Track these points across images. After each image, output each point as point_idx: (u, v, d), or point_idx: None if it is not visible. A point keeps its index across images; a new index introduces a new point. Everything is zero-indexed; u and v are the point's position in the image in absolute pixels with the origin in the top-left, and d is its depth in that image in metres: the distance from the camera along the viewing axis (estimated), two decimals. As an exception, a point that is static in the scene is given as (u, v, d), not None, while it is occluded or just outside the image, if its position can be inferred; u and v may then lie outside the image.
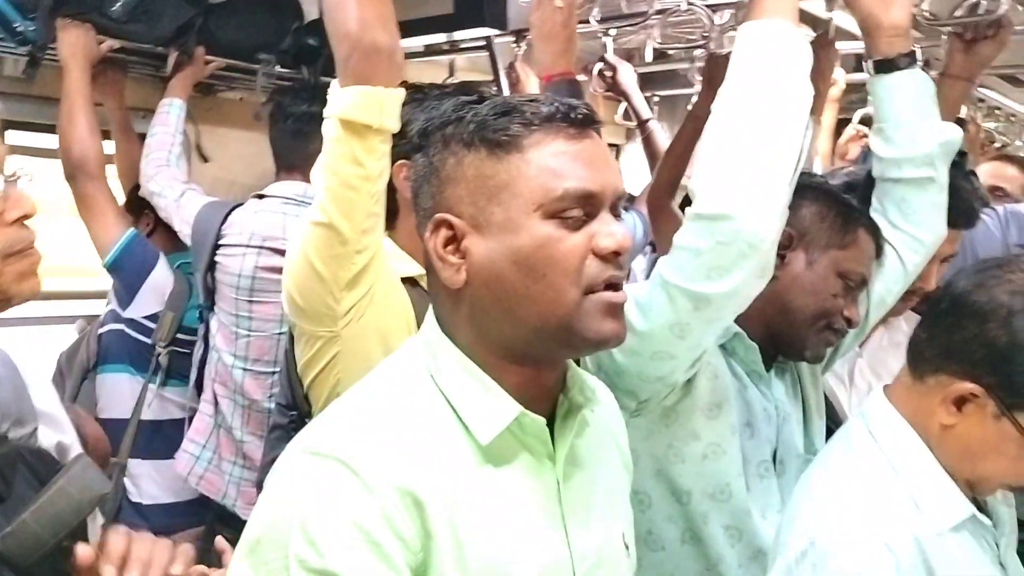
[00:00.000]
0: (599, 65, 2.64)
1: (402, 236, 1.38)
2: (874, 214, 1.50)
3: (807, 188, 1.46)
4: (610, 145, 3.71)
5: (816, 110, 2.55)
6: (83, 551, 0.93)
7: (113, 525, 1.00)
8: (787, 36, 1.22)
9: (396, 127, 1.21)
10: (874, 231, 1.46)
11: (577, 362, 1.27)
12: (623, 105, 2.79)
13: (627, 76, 2.63)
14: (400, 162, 1.27)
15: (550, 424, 0.95)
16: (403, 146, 1.25)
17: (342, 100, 1.18)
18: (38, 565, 0.93)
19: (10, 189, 0.97)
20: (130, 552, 0.95)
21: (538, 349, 0.91)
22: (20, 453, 0.99)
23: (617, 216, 0.92)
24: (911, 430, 1.13)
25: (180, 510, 2.29)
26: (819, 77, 2.51)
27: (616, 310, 0.90)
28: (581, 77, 2.72)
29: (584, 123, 0.91)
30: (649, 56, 3.09)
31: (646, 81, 3.04)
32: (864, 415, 1.20)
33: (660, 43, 2.39)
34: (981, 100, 3.18)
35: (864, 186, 1.59)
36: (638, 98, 2.68)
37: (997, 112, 3.29)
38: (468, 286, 0.90)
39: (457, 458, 0.88)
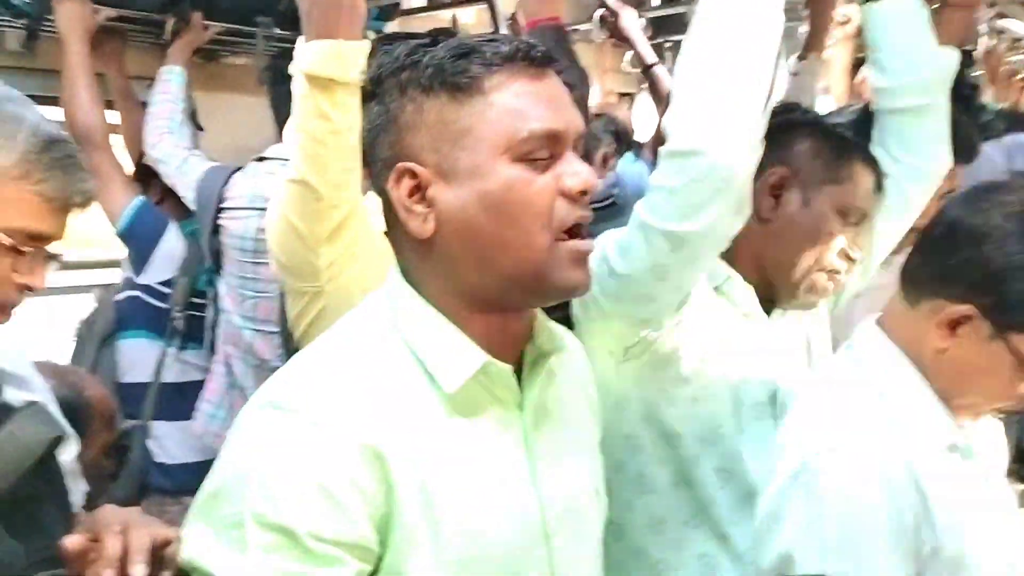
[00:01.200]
0: (600, 11, 2.61)
1: None
2: (875, 148, 1.47)
3: (799, 125, 1.43)
4: (622, 95, 3.67)
5: (815, 46, 2.52)
6: (71, 542, 0.90)
7: (108, 506, 0.99)
8: None
9: (362, 80, 1.21)
10: (871, 163, 1.42)
11: (564, 308, 1.28)
12: (630, 52, 2.76)
13: (630, 21, 2.60)
14: None
15: (518, 373, 0.94)
16: None
17: (305, 55, 1.18)
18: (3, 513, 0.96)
19: (40, 266, 1.02)
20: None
21: (508, 297, 0.91)
22: None
23: (579, 155, 0.91)
24: (903, 356, 1.13)
25: (204, 469, 2.33)
26: (817, 12, 2.47)
27: (583, 258, 0.89)
28: (586, 25, 2.71)
29: (544, 62, 0.89)
30: (657, 0, 3.04)
31: (657, 26, 3.00)
32: (851, 345, 1.20)
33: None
34: (1002, 31, 3.10)
35: (863, 120, 1.56)
36: (642, 43, 2.64)
37: (1018, 44, 3.20)
38: (437, 235, 0.88)
39: (423, 409, 0.88)
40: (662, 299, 1.25)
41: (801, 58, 2.66)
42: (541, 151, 0.87)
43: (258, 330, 2.09)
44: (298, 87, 1.20)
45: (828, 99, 2.71)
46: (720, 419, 1.34)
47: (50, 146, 1.00)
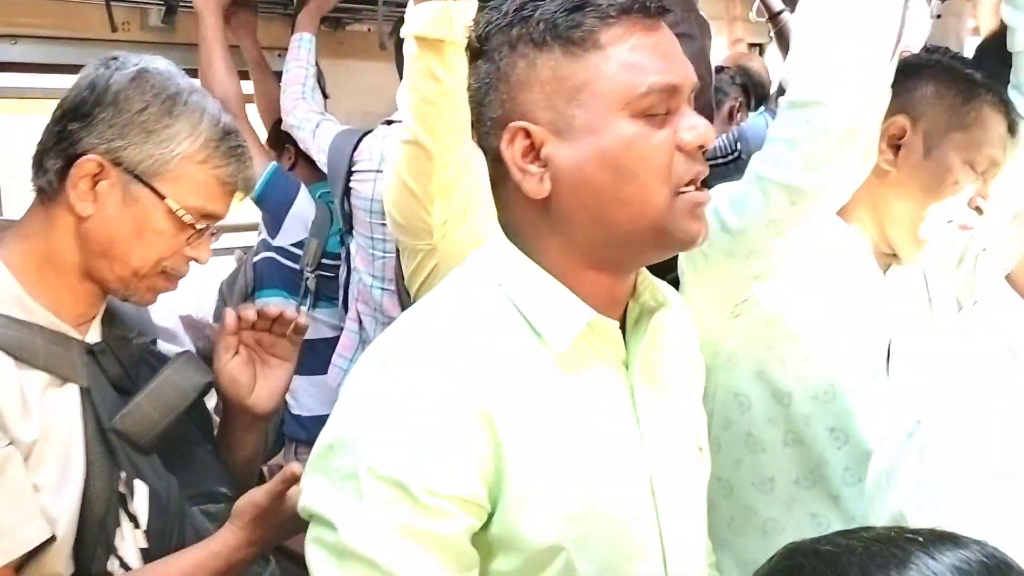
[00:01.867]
0: (725, -41, 2.53)
1: None
2: (1011, 91, 1.38)
3: (924, 66, 1.35)
4: (752, 44, 3.54)
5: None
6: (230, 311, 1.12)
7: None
8: None
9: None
10: (1003, 106, 1.33)
11: (672, 267, 1.27)
12: (757, 2, 2.67)
13: (756, -32, 2.51)
14: None
15: (623, 330, 0.94)
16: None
17: (415, 17, 1.20)
18: (153, 445, 1.07)
19: (208, 241, 1.12)
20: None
21: (624, 253, 0.89)
22: (142, 355, 1.14)
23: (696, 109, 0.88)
24: None
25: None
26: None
27: (701, 210, 0.88)
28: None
29: (658, 13, 0.86)
30: (785, -54, 2.92)
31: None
32: (978, 303, 1.15)
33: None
34: None
35: (997, 62, 1.46)
36: (772, -9, 2.55)
37: None
38: (552, 195, 0.87)
39: (530, 367, 0.87)
40: (775, 254, 1.22)
41: (944, -1, 2.50)
42: (659, 105, 0.84)
43: (385, 288, 2.16)
44: (409, 49, 1.22)
45: (977, 40, 2.54)
46: (832, 377, 1.30)
47: (227, 135, 1.09)
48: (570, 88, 0.85)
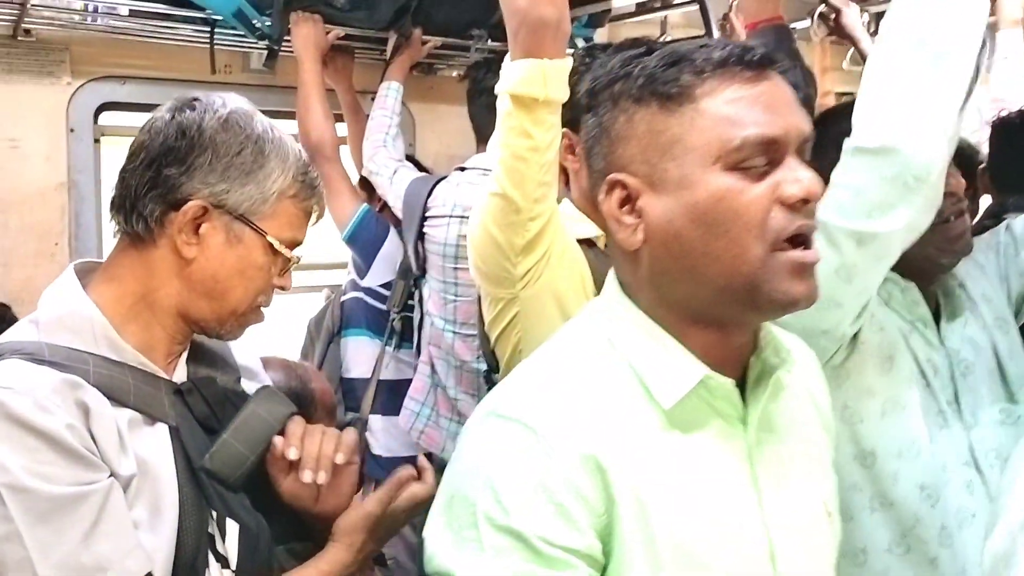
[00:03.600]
0: (821, 8, 2.49)
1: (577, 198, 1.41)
2: None
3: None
4: (841, 94, 3.48)
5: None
6: (277, 441, 1.10)
7: (296, 416, 1.15)
8: None
9: (564, 97, 1.22)
10: None
11: None
12: (851, 50, 2.62)
13: (852, 18, 2.46)
14: (563, 130, 1.28)
15: (742, 387, 0.91)
16: (568, 112, 1.25)
17: (510, 75, 1.21)
18: (242, 482, 1.08)
19: (289, 267, 1.15)
20: (303, 446, 1.11)
21: (722, 311, 0.87)
22: (226, 394, 1.15)
23: (804, 160, 0.86)
24: None
25: (413, 463, 2.45)
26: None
27: (806, 269, 0.85)
28: (804, 22, 2.60)
29: (761, 64, 0.85)
30: (883, -7, 2.86)
31: (880, 22, 2.82)
32: None
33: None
34: None
35: None
36: (865, 41, 2.49)
37: None
38: (646, 246, 0.87)
39: (641, 424, 0.86)
40: (846, 304, 1.19)
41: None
42: (756, 159, 0.83)
43: (457, 332, 2.16)
44: (502, 105, 1.23)
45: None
46: (914, 431, 1.26)
47: (307, 168, 1.14)
48: (664, 142, 0.85)
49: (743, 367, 0.92)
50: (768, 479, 0.90)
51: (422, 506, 1.16)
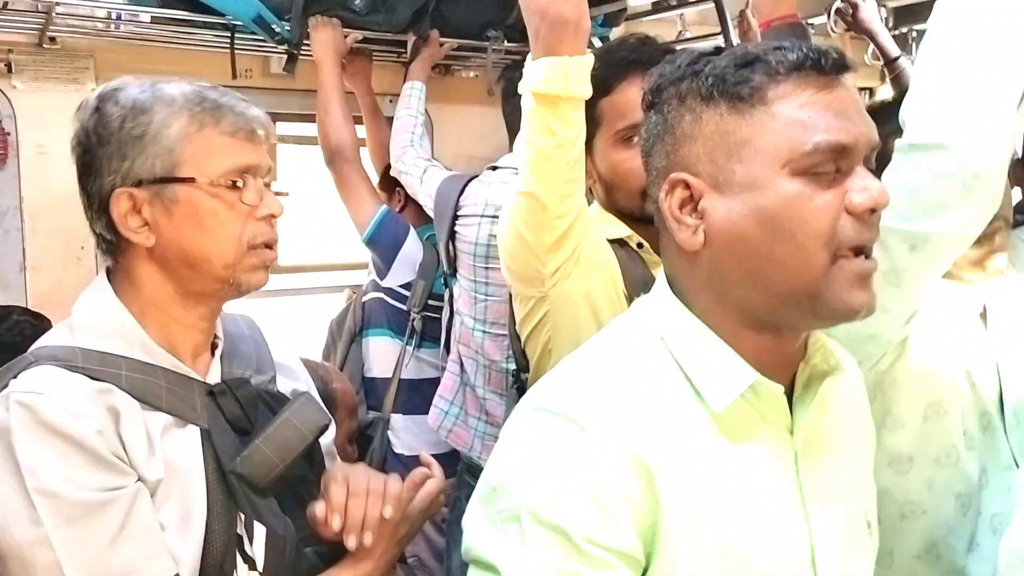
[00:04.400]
0: (838, 4, 2.49)
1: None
2: None
3: None
4: (862, 88, 3.47)
5: None
6: (318, 510, 1.07)
7: (337, 472, 1.13)
8: None
9: (586, 94, 1.23)
10: None
11: None
12: (871, 46, 2.61)
13: (870, 12, 2.46)
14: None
15: (790, 393, 0.91)
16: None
17: (533, 73, 1.22)
18: (271, 486, 1.08)
19: (266, 192, 1.10)
20: (347, 509, 1.08)
21: (781, 316, 0.87)
22: (260, 395, 1.15)
23: (872, 170, 0.86)
24: None
25: (437, 461, 2.46)
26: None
27: (866, 279, 0.85)
28: (821, 18, 2.60)
29: (835, 69, 0.84)
30: (902, -14, 2.85)
31: (899, 16, 2.82)
32: None
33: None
34: None
35: None
36: (884, 35, 2.49)
37: None
38: (706, 248, 0.86)
39: (689, 426, 0.85)
40: (894, 310, 1.16)
41: None
42: (826, 165, 0.82)
43: (487, 332, 2.17)
44: (526, 103, 1.24)
45: None
46: (954, 437, 1.24)
47: (201, 96, 1.07)
48: (732, 143, 0.85)
49: (792, 373, 0.92)
50: (813, 488, 0.90)
51: (438, 502, 1.18)
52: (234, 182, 1.06)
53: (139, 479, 0.99)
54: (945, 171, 1.06)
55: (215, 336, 1.15)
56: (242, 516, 1.05)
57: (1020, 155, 2.19)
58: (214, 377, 1.12)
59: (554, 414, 0.84)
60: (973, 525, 1.24)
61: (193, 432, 1.06)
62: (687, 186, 0.87)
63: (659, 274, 0.95)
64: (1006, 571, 1.00)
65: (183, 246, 1.05)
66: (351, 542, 1.07)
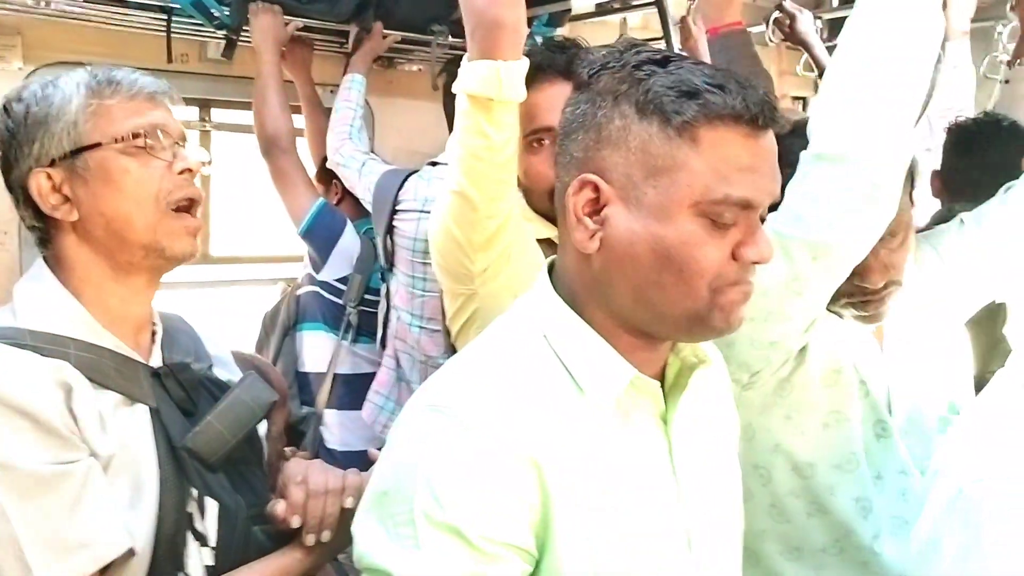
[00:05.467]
0: (776, 14, 2.55)
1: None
2: None
3: None
4: (795, 98, 3.55)
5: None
6: (278, 509, 1.09)
7: (296, 454, 1.18)
8: None
9: (520, 99, 1.24)
10: None
11: None
12: (805, 56, 2.67)
13: (806, 24, 2.52)
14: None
15: (662, 385, 0.95)
16: None
17: (468, 75, 1.23)
18: (221, 463, 1.10)
19: (178, 149, 1.12)
20: (306, 508, 1.10)
21: (657, 329, 0.91)
22: (201, 380, 1.17)
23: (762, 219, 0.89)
24: None
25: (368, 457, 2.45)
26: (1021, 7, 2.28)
27: (742, 303, 0.89)
28: (760, 27, 2.65)
29: (767, 125, 0.86)
30: (836, 1, 2.93)
31: (833, 29, 2.89)
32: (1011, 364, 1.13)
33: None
34: None
35: None
36: (819, 47, 2.56)
37: None
38: (599, 255, 0.89)
39: (572, 421, 0.88)
40: (795, 318, 1.21)
41: (1012, 64, 2.49)
42: (728, 215, 0.85)
43: (424, 327, 2.17)
44: (460, 103, 1.25)
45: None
46: (854, 444, 1.29)
47: (97, 72, 1.11)
48: (652, 166, 0.86)
49: (662, 364, 0.96)
50: (687, 475, 0.94)
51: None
52: (140, 136, 1.09)
53: (92, 454, 0.99)
54: (848, 181, 1.11)
55: (153, 323, 1.16)
56: (193, 492, 1.06)
57: (939, 167, 2.28)
58: (156, 361, 1.13)
59: (441, 412, 0.86)
60: (874, 526, 1.28)
61: (142, 411, 1.07)
62: (596, 188, 0.88)
63: (541, 270, 0.97)
64: (917, 559, 1.05)
65: (104, 212, 1.07)
66: (309, 540, 1.09)
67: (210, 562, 1.06)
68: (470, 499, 0.81)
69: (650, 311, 0.88)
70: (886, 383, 1.36)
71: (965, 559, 0.99)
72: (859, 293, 1.29)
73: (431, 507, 0.81)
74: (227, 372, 1.24)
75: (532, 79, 1.41)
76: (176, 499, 1.04)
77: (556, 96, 1.41)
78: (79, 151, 1.07)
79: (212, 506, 1.07)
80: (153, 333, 1.16)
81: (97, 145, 1.07)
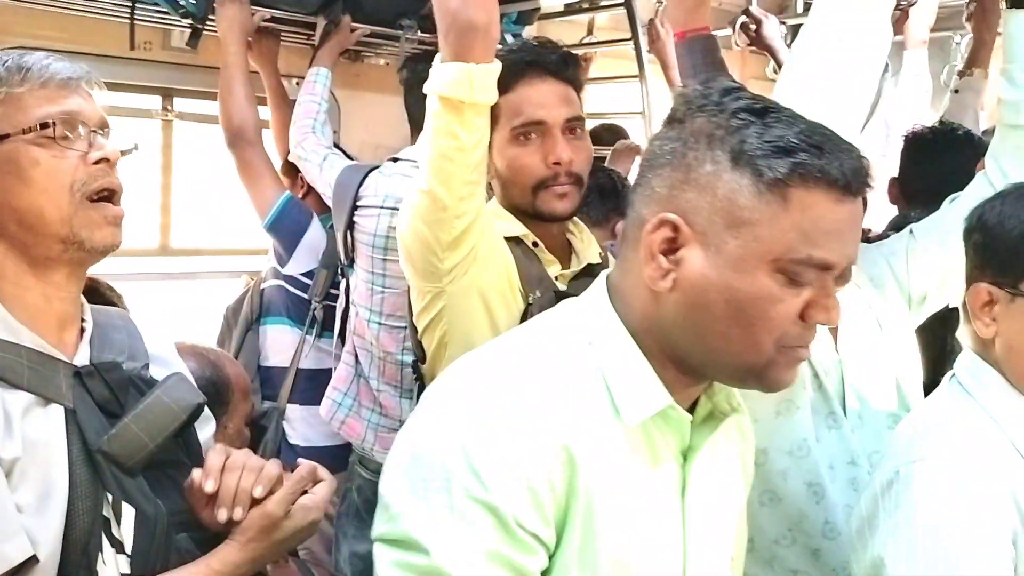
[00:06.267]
0: (742, 18, 2.57)
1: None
2: (988, 159, 1.40)
3: None
4: (762, 100, 3.60)
5: (979, 61, 2.37)
6: (195, 474, 1.05)
7: (218, 445, 1.12)
8: None
9: (491, 101, 1.24)
10: None
11: None
12: (771, 62, 2.70)
13: (772, 30, 2.54)
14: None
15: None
16: None
17: (439, 76, 1.22)
18: (142, 467, 1.05)
19: (95, 138, 1.06)
20: (222, 480, 1.06)
21: (711, 372, 0.92)
22: (131, 380, 1.12)
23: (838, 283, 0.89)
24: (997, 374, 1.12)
25: (331, 453, 2.42)
26: (981, 26, 2.34)
27: (797, 365, 0.90)
28: (725, 31, 2.68)
29: (859, 192, 0.86)
30: (801, 7, 2.97)
31: (798, 35, 2.93)
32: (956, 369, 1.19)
33: (812, -7, 2.30)
34: None
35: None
36: (784, 52, 2.57)
37: None
38: (669, 293, 0.88)
39: (602, 431, 0.89)
40: None
41: (963, 74, 2.54)
42: (806, 275, 0.85)
43: (383, 324, 2.16)
44: (431, 104, 1.24)
45: (982, 116, 2.58)
46: (805, 431, 1.34)
47: (4, 56, 1.06)
48: (738, 217, 0.85)
49: (694, 401, 0.97)
50: (694, 518, 0.95)
51: (323, 507, 1.13)
52: (48, 125, 1.03)
53: None
54: None
55: (82, 320, 1.12)
56: (109, 497, 1.02)
57: (896, 174, 2.32)
58: (82, 359, 1.08)
59: (486, 389, 0.87)
60: (825, 512, 1.32)
61: (56, 412, 1.02)
62: (675, 229, 0.87)
63: (601, 277, 0.97)
64: (855, 538, 1.11)
65: (15, 206, 1.02)
66: (222, 515, 1.05)
67: (126, 570, 1.02)
68: (512, 486, 0.82)
69: (709, 356, 0.89)
70: (840, 378, 1.39)
71: (895, 533, 1.04)
72: None
73: (472, 484, 0.82)
74: (168, 371, 1.19)
75: (523, 74, 1.43)
76: (89, 504, 1.00)
77: (547, 92, 1.44)
78: None
79: (129, 512, 1.03)
80: (82, 330, 1.11)
81: (5, 136, 1.02)
